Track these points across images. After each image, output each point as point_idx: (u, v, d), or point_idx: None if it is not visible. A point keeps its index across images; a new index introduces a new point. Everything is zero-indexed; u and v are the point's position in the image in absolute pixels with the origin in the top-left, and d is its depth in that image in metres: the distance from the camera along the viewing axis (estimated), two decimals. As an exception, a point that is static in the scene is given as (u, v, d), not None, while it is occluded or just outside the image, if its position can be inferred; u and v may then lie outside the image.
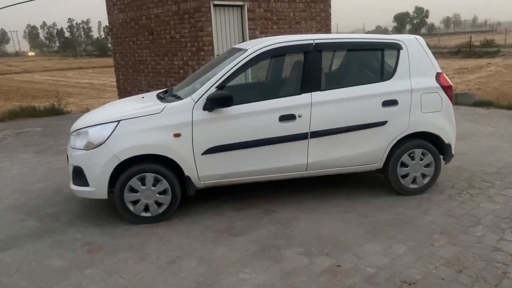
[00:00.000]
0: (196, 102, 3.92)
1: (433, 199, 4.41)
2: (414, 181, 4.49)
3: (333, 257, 3.33)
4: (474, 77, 17.25)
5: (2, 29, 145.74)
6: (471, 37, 34.86)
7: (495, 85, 13.88)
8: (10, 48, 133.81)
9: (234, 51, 4.45)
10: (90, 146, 3.87)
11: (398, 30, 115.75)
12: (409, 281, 2.99)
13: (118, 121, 3.88)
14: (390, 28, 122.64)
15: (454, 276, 3.03)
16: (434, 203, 4.30)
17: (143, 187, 3.93)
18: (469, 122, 7.88)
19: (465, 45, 32.43)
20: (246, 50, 4.13)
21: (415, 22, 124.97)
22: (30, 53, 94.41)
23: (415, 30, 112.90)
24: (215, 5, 8.29)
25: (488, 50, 29.75)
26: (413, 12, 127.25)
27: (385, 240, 3.58)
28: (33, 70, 39.83)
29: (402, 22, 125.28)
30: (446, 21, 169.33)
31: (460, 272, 3.07)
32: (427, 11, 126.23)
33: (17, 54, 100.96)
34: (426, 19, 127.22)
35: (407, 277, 3.04)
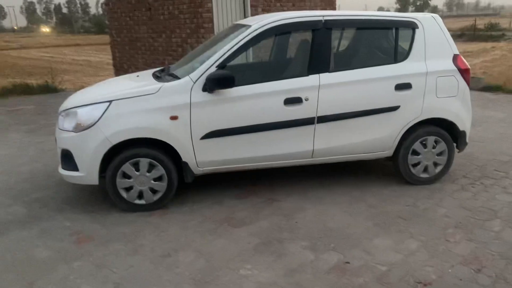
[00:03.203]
0: (194, 83, 3.62)
1: (445, 189, 4.16)
2: (425, 170, 4.22)
3: (341, 252, 3.09)
4: (479, 61, 16.85)
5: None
6: (475, 20, 34.24)
7: (501, 69, 13.51)
8: (7, 23, 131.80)
9: (237, 27, 4.11)
10: (79, 128, 3.58)
11: (400, 11, 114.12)
12: (424, 281, 2.75)
13: (110, 101, 3.58)
14: (392, 10, 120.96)
15: (473, 276, 2.80)
16: (447, 194, 4.05)
17: (137, 173, 3.66)
18: (478, 108, 7.58)
19: (469, 28, 31.87)
20: (250, 26, 3.81)
21: (418, 3, 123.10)
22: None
23: (417, 12, 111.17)
24: (216, -20, 7.88)
25: (492, 33, 29.23)
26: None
27: (396, 234, 3.34)
28: (30, 46, 39.03)
29: (405, 4, 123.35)
30: (449, 4, 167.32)
31: (479, 272, 2.84)
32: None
33: (13, 30, 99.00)
34: (429, 1, 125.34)
35: (421, 276, 2.80)
